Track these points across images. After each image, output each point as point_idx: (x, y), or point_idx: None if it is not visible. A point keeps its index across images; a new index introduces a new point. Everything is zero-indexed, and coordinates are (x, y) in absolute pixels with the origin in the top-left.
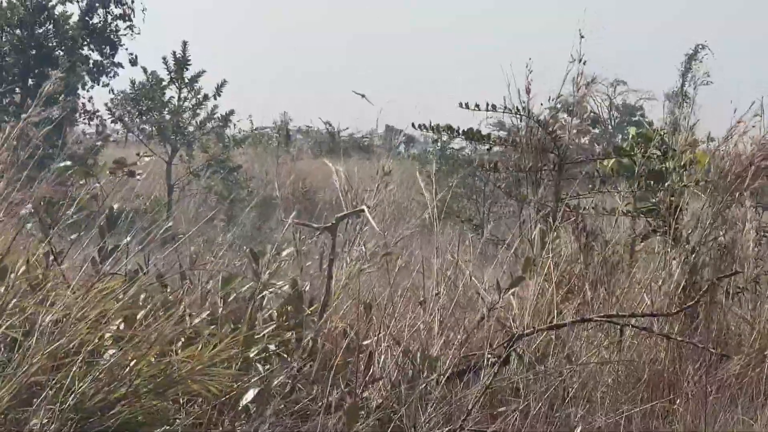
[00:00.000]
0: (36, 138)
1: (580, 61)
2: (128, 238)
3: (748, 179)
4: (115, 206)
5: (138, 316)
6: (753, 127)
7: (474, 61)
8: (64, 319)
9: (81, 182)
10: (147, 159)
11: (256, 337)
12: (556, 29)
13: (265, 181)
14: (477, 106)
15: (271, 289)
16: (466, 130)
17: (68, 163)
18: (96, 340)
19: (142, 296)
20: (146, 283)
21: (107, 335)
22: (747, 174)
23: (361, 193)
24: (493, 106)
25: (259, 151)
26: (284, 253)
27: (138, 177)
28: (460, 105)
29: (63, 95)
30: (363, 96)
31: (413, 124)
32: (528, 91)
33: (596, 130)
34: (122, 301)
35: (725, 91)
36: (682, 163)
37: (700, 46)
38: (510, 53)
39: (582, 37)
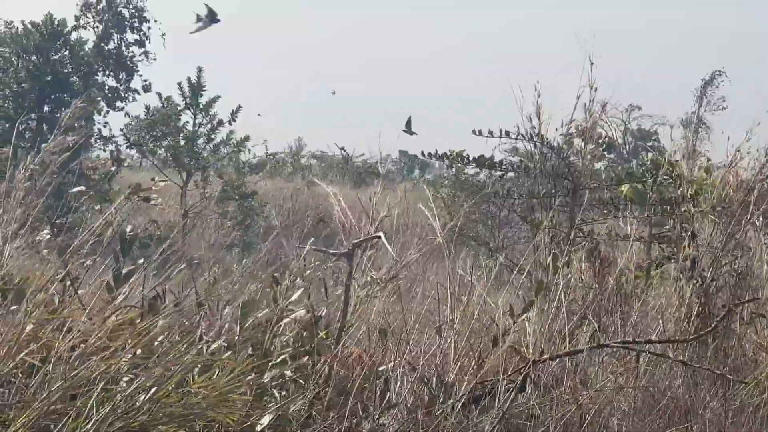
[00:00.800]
0: (53, 165)
1: (591, 87)
2: (141, 261)
3: (752, 204)
4: (128, 229)
5: (155, 343)
6: (748, 153)
7: (487, 86)
8: (81, 346)
9: (96, 208)
10: (162, 184)
11: (272, 363)
12: (570, 54)
13: (280, 206)
14: (490, 132)
15: (287, 316)
16: (477, 157)
17: (83, 188)
18: (114, 368)
19: (160, 323)
20: (163, 311)
21: (124, 362)
22: (750, 198)
23: (375, 219)
24: (507, 133)
25: (273, 177)
26: (299, 280)
27: (153, 203)
28: (474, 132)
29: (78, 121)
30: (409, 128)
31: (422, 152)
32: (539, 116)
33: (611, 156)
34: (139, 329)
35: (741, 116)
36: (695, 190)
37: (717, 73)
38: (523, 77)
39: (592, 63)
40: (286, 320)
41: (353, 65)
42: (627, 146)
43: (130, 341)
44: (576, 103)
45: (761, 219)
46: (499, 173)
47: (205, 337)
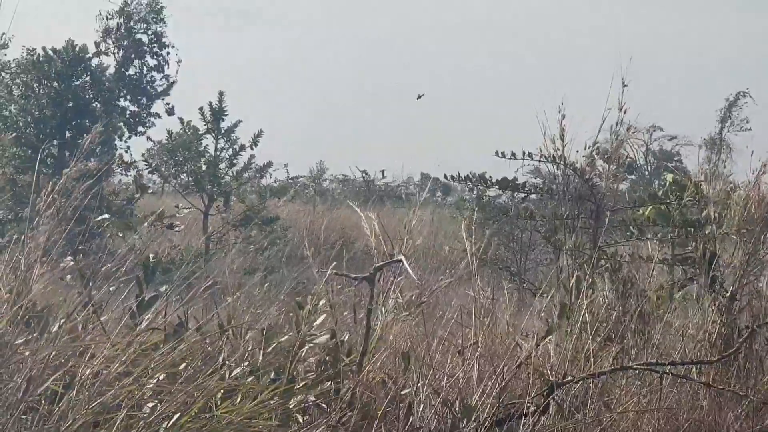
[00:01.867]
0: (77, 192)
1: (621, 109)
2: (164, 289)
3: None
4: (151, 256)
5: (180, 368)
6: None
7: (511, 106)
8: (104, 371)
9: (120, 235)
10: (186, 211)
11: (296, 388)
12: (591, 75)
13: (303, 231)
14: (513, 154)
15: (310, 341)
16: (500, 180)
17: (107, 216)
18: (137, 394)
19: (182, 347)
20: (186, 336)
21: (148, 388)
22: None
23: (397, 242)
24: (530, 155)
25: (295, 201)
26: (321, 303)
27: (177, 229)
28: (497, 154)
29: (100, 147)
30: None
31: (445, 175)
32: (562, 137)
33: (633, 177)
34: (163, 354)
35: (763, 137)
36: (718, 212)
37: (741, 93)
38: (545, 97)
39: (625, 85)
40: (308, 346)
41: (373, 88)
42: (649, 167)
43: (152, 366)
44: (601, 125)
45: None
46: (521, 195)
47: (227, 362)
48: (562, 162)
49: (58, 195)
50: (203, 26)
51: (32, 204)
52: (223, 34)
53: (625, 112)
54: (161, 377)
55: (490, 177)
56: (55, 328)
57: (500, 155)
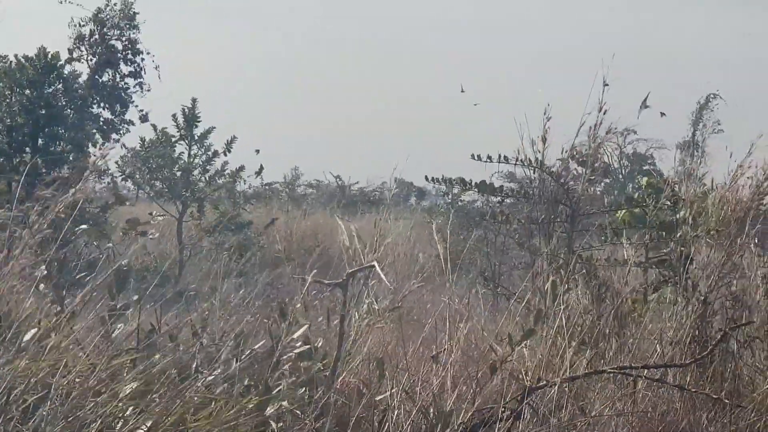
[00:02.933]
0: (55, 203)
1: (601, 110)
2: (136, 297)
3: (748, 223)
4: (125, 263)
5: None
6: (749, 167)
7: (485, 109)
8: (78, 386)
9: (94, 243)
10: (160, 218)
11: (272, 396)
12: (568, 78)
13: (276, 236)
14: (489, 157)
15: (290, 352)
16: (479, 183)
17: (84, 226)
18: (111, 408)
19: (156, 356)
20: (159, 344)
21: (122, 402)
22: (747, 218)
23: (372, 248)
24: (506, 158)
25: (269, 207)
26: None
27: (151, 236)
28: (473, 157)
29: (73, 154)
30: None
31: (426, 177)
32: (544, 140)
33: (607, 180)
34: (136, 361)
35: (738, 138)
36: (693, 214)
37: (712, 95)
38: (519, 103)
39: (606, 85)
40: (284, 352)
41: (353, 93)
42: (623, 170)
43: (126, 376)
44: (579, 128)
45: (756, 240)
46: (497, 199)
47: (201, 371)
48: (538, 165)
49: (31, 205)
50: (174, 31)
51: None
52: (196, 39)
53: (604, 113)
54: (135, 386)
55: (470, 180)
56: (28, 337)
57: (476, 158)
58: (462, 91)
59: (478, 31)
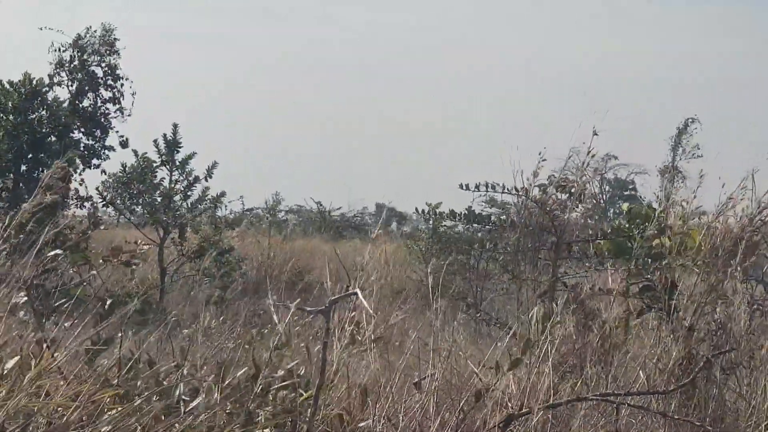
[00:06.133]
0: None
1: (589, 153)
2: (120, 335)
3: (739, 255)
4: (107, 292)
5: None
6: (741, 200)
7: (464, 134)
8: (59, 416)
9: (74, 270)
10: (146, 248)
11: (254, 422)
12: (553, 111)
13: (258, 262)
14: (477, 186)
15: (273, 383)
16: (467, 213)
17: (59, 251)
18: None
19: (138, 383)
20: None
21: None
22: (738, 249)
23: (354, 274)
24: (492, 187)
25: (250, 232)
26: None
27: (134, 266)
28: (461, 186)
29: (57, 181)
30: None
31: (417, 209)
32: (536, 175)
33: (589, 206)
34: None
35: (717, 162)
36: (677, 241)
37: (690, 120)
38: (501, 131)
39: (596, 134)
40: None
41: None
42: (604, 195)
43: (108, 404)
44: (566, 163)
45: (739, 268)
46: (485, 227)
47: (183, 398)
48: (523, 193)
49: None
50: (155, 58)
51: None
52: (176, 67)
53: (592, 157)
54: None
55: (460, 212)
56: (9, 365)
57: (464, 188)
58: None
59: (460, 55)
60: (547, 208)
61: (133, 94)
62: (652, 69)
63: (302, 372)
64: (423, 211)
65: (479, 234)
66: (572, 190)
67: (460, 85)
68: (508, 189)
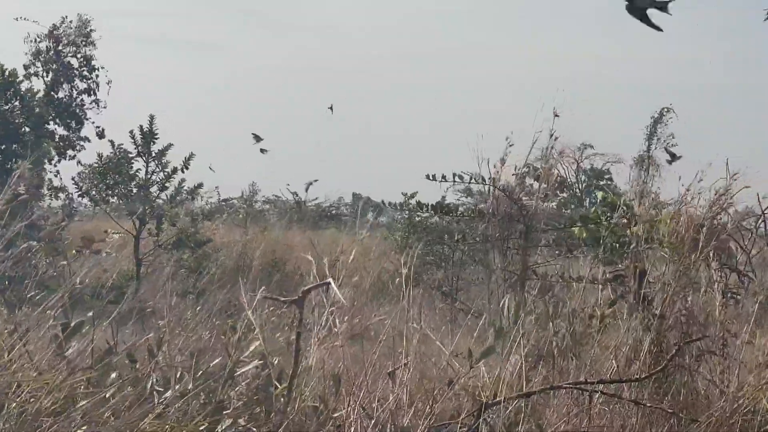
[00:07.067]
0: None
1: (552, 136)
2: (90, 314)
3: (701, 241)
4: (78, 280)
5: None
6: (699, 194)
7: (438, 127)
8: (31, 406)
9: (47, 260)
10: (116, 236)
11: (225, 412)
12: (523, 96)
13: (234, 253)
14: (444, 177)
15: (242, 368)
16: (435, 204)
17: (33, 243)
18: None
19: (112, 375)
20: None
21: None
22: (700, 236)
23: (329, 263)
24: (460, 177)
25: (227, 223)
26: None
27: (104, 254)
28: (428, 177)
29: (29, 171)
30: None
31: (383, 202)
32: (503, 162)
33: (564, 195)
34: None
35: (692, 151)
36: (647, 229)
37: (665, 110)
38: (472, 118)
39: (556, 116)
40: (241, 371)
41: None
42: (580, 185)
43: (81, 392)
44: (531, 147)
45: (714, 256)
46: (455, 217)
47: (157, 388)
48: (491, 183)
49: None
50: (131, 49)
51: None
52: (152, 56)
53: (556, 139)
54: (89, 404)
55: (427, 203)
56: None
57: (431, 178)
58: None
59: (435, 56)
60: (515, 197)
61: (108, 83)
62: (631, 71)
63: (276, 362)
64: (393, 203)
65: (455, 224)
66: (539, 176)
67: (442, 79)
68: (475, 179)
